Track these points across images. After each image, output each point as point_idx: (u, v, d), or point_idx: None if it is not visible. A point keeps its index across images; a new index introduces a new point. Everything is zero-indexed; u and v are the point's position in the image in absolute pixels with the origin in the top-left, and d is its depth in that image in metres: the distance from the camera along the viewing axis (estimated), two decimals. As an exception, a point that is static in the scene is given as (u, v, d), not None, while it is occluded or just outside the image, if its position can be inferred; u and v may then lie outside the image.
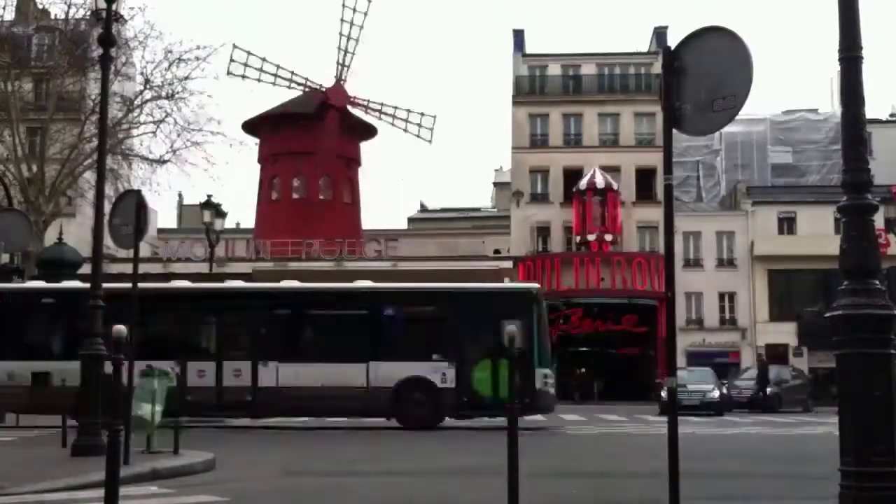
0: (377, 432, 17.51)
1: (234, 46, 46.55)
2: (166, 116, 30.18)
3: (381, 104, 49.52)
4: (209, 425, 17.57)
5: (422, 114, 49.35)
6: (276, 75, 48.02)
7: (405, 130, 49.50)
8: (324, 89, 48.96)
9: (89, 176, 29.50)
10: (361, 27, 48.17)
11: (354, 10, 47.90)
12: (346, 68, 48.80)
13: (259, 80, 47.78)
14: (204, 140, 30.27)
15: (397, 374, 18.00)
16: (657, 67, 41.26)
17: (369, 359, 18.21)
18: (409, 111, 49.42)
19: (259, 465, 10.90)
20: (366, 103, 49.62)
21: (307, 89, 49.09)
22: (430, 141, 49.75)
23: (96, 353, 11.07)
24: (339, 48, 48.57)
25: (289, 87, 48.86)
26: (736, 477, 9.75)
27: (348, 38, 48.27)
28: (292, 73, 48.42)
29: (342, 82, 49.14)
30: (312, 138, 47.80)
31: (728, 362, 42.07)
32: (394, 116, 49.41)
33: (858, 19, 5.16)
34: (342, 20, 47.91)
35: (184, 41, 43.76)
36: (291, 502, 7.93)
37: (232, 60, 46.55)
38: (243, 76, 47.30)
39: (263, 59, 47.63)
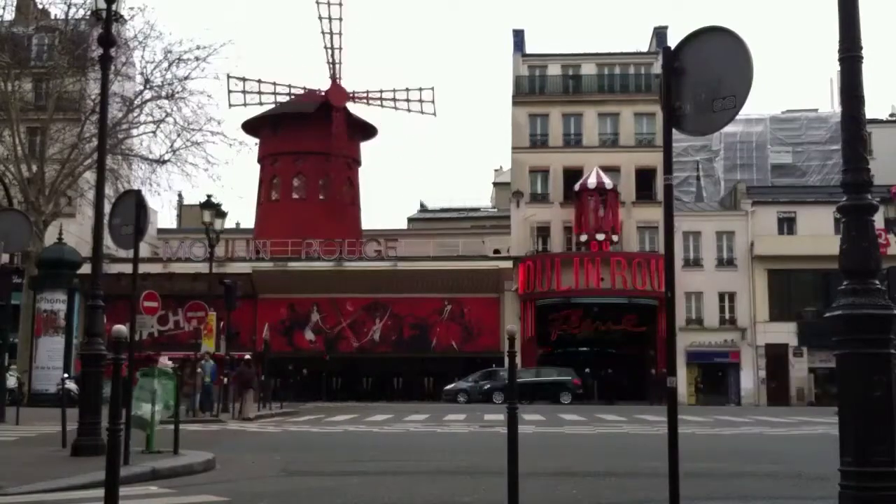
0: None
1: (228, 77, 46.68)
2: (166, 116, 30.25)
3: (380, 90, 49.90)
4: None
5: (420, 88, 49.76)
6: (275, 93, 48.71)
7: (408, 110, 49.83)
8: (322, 92, 49.03)
9: (89, 176, 29.53)
10: (340, 18, 48.59)
11: (329, 4, 48.33)
12: (337, 65, 49.07)
13: (261, 104, 48.64)
14: (204, 140, 30.38)
15: None
16: (657, 67, 41.26)
17: None
18: (407, 89, 49.79)
19: (259, 465, 10.89)
20: (365, 94, 49.78)
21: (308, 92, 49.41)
22: (434, 114, 50.15)
23: (96, 353, 11.09)
24: (326, 47, 48.94)
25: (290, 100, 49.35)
26: (736, 477, 9.75)
27: (331, 33, 48.61)
28: (290, 85, 48.91)
29: (338, 80, 49.27)
30: (312, 138, 47.88)
31: (728, 362, 42.25)
32: (394, 99, 49.78)
33: (858, 19, 5.16)
34: (320, 17, 48.35)
35: (183, 41, 43.97)
36: (291, 502, 7.92)
37: (230, 91, 47.16)
38: (245, 104, 48.13)
39: (259, 81, 48.19)
